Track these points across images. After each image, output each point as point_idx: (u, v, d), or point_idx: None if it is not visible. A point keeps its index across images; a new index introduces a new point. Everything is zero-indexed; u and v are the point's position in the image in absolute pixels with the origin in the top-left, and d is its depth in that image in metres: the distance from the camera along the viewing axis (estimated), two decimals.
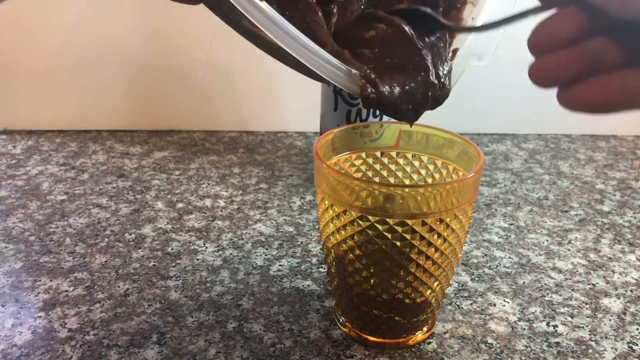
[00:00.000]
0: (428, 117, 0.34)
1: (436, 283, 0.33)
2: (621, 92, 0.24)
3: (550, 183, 0.59)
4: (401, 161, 0.38)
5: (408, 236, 0.31)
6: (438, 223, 0.31)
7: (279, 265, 0.43)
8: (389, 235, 0.31)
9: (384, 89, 0.28)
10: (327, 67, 0.26)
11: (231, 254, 0.45)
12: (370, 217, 0.31)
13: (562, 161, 0.65)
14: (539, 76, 0.25)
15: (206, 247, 0.45)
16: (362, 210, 0.31)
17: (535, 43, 0.25)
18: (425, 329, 0.36)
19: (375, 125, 0.38)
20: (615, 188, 0.58)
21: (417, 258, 0.31)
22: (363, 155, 0.38)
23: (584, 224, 0.51)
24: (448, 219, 0.31)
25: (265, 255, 0.44)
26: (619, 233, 0.49)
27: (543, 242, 0.47)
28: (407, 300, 0.33)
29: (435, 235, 0.31)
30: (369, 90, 0.28)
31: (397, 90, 0.29)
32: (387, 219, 0.30)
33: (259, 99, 0.69)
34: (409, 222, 0.30)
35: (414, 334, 0.35)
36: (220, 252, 0.45)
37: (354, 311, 0.35)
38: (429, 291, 0.33)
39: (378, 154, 0.38)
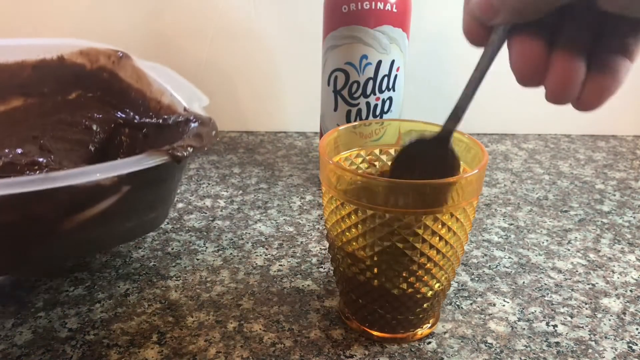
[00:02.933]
0: (429, 117, 0.34)
1: (443, 275, 0.34)
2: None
3: (550, 183, 0.59)
4: None
5: (420, 231, 0.31)
6: (447, 217, 0.31)
7: (279, 265, 0.43)
8: (403, 232, 0.31)
9: None
10: None
11: (231, 254, 0.45)
12: (380, 214, 0.31)
13: (561, 161, 0.65)
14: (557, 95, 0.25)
15: (206, 247, 0.45)
16: (374, 209, 0.31)
17: (527, 75, 0.24)
18: (431, 321, 0.36)
19: (377, 124, 0.38)
20: (615, 188, 0.58)
21: (428, 252, 0.32)
22: (363, 153, 0.38)
23: (584, 224, 0.51)
24: (458, 213, 0.32)
25: (265, 255, 0.44)
26: (619, 233, 0.49)
27: (543, 242, 0.48)
28: (416, 295, 0.34)
29: (445, 229, 0.32)
30: None
31: None
32: (399, 216, 0.31)
33: (259, 99, 0.69)
34: (421, 217, 0.31)
35: (422, 327, 0.36)
36: (220, 252, 0.45)
37: (361, 309, 0.35)
38: (437, 284, 0.34)
39: (377, 151, 0.38)
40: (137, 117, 0.48)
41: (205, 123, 0.40)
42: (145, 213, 0.40)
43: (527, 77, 0.24)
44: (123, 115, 0.49)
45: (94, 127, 0.49)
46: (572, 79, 0.24)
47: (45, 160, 0.44)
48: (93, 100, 0.51)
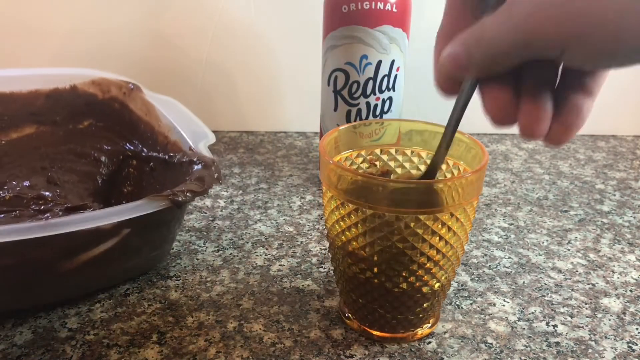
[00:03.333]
0: (429, 117, 0.34)
1: (443, 275, 0.34)
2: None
3: (550, 183, 0.59)
4: (400, 158, 0.38)
5: (420, 231, 0.31)
6: (447, 217, 0.31)
7: (279, 265, 0.43)
8: (403, 232, 0.31)
9: None
10: None
11: (231, 253, 0.45)
12: (381, 214, 0.31)
13: (561, 161, 0.65)
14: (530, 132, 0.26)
15: (206, 247, 0.45)
16: (374, 208, 0.31)
17: (500, 120, 0.26)
18: (431, 321, 0.36)
19: (377, 124, 0.38)
20: (615, 188, 0.58)
21: (428, 251, 0.32)
22: (363, 153, 0.38)
23: (584, 224, 0.51)
24: (458, 213, 0.32)
25: (265, 255, 0.44)
26: (619, 233, 0.49)
27: (543, 242, 0.48)
28: (417, 294, 0.34)
29: (445, 229, 0.32)
30: None
31: None
32: (400, 215, 0.31)
33: (259, 99, 0.69)
34: (421, 217, 0.31)
35: (422, 327, 0.36)
36: (220, 252, 0.45)
37: (361, 308, 0.35)
38: (438, 284, 0.34)
39: (378, 151, 0.38)
40: (145, 150, 0.49)
41: (208, 166, 0.40)
42: (146, 253, 0.40)
43: (499, 120, 0.26)
44: (131, 147, 0.50)
45: (103, 159, 0.50)
46: (540, 119, 0.26)
47: (51, 195, 0.45)
48: (103, 130, 0.52)
